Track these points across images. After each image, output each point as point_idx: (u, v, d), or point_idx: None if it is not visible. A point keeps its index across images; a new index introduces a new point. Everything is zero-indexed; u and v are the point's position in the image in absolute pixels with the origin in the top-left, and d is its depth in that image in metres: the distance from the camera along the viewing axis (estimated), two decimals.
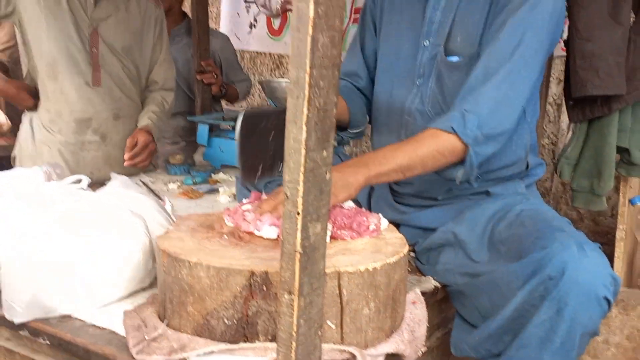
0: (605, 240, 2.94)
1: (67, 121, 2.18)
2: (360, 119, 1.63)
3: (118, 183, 1.36)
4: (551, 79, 2.65)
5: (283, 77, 4.17)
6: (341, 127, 1.61)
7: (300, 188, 0.86)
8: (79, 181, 1.32)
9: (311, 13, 0.80)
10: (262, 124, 1.16)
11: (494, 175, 1.45)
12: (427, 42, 1.46)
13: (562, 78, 2.93)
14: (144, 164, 2.24)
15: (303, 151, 0.85)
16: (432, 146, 1.25)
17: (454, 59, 1.40)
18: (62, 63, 2.12)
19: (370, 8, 1.63)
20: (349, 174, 1.20)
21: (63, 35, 2.11)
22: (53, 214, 1.18)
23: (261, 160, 1.18)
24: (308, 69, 0.82)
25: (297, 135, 0.85)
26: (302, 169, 0.85)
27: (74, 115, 2.19)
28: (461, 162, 1.28)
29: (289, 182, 0.87)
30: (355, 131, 1.65)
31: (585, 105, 1.90)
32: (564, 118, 3.04)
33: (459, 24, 1.40)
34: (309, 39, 0.81)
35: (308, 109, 0.84)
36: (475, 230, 1.35)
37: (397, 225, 1.55)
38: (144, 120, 2.28)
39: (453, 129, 1.24)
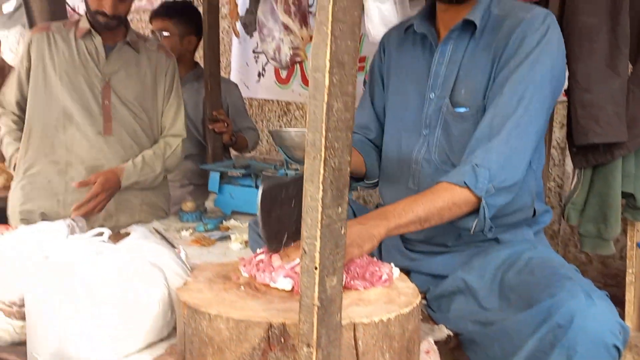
0: (615, 283, 2.94)
1: (79, 170, 2.25)
2: (375, 170, 1.71)
3: (138, 235, 1.40)
4: (554, 123, 2.71)
5: (290, 124, 4.27)
6: (357, 178, 1.68)
7: (318, 243, 0.90)
8: (100, 234, 1.36)
9: (326, 82, 0.86)
10: (282, 194, 1.20)
11: (501, 221, 1.49)
12: (433, 95, 1.53)
13: (565, 123, 3.00)
14: (83, 213, 2.14)
15: (320, 208, 0.90)
16: (448, 199, 1.31)
17: (461, 109, 1.47)
18: (74, 114, 2.21)
19: (378, 64, 1.72)
20: (372, 226, 1.26)
21: (76, 88, 2.20)
22: (76, 267, 1.22)
23: (285, 228, 1.23)
24: (324, 132, 0.88)
25: (314, 194, 0.90)
26: (319, 225, 0.90)
27: (86, 164, 2.25)
28: (476, 211, 1.34)
29: (307, 237, 0.91)
30: (371, 182, 1.73)
31: (588, 152, 1.95)
32: (569, 161, 3.09)
33: (463, 78, 1.47)
34: (324, 105, 0.87)
35: (324, 169, 0.89)
36: (485, 278, 1.38)
37: (407, 271, 1.58)
38: (128, 163, 2.27)
39: (465, 183, 1.30)
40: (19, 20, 4.61)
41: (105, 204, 2.23)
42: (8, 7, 4.66)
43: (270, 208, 1.18)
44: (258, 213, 1.17)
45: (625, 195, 1.99)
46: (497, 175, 1.32)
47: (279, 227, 1.21)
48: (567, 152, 3.04)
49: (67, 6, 2.84)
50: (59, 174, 2.25)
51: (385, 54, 1.70)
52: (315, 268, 0.90)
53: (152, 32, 2.89)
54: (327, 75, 0.86)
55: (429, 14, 1.57)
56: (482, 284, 1.37)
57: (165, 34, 2.83)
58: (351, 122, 0.94)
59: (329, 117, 0.88)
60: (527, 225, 1.53)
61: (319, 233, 0.90)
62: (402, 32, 1.64)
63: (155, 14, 2.90)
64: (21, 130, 2.29)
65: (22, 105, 2.27)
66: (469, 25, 1.47)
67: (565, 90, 2.04)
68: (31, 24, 2.61)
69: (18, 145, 2.26)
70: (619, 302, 2.70)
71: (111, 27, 2.21)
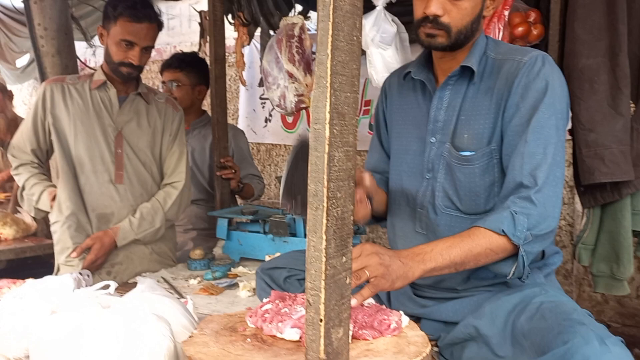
0: (633, 323, 2.87)
1: (90, 217, 2.28)
2: None
3: (144, 286, 1.40)
4: None
5: None
6: (378, 218, 1.69)
7: (322, 294, 0.90)
8: (107, 287, 1.36)
9: (327, 133, 0.87)
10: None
11: None
12: (434, 139, 1.54)
13: (572, 161, 3.00)
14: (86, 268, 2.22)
15: (323, 259, 0.90)
16: (485, 245, 1.32)
17: (467, 153, 1.47)
18: (86, 162, 2.26)
19: (381, 108, 1.75)
20: (409, 267, 1.27)
21: (90, 136, 2.26)
22: (82, 321, 1.22)
23: (303, 190, 1.22)
24: (325, 183, 0.88)
25: (317, 244, 0.90)
26: (323, 275, 0.90)
27: (97, 211, 2.29)
28: (511, 256, 1.35)
29: (311, 289, 0.90)
30: None
31: (596, 191, 1.95)
32: (578, 200, 3.07)
33: (465, 122, 1.49)
34: (325, 156, 0.88)
35: (327, 219, 0.89)
36: (496, 324, 1.35)
37: (418, 318, 1.56)
38: (124, 221, 2.31)
39: (504, 231, 1.31)
40: (31, 74, 4.77)
41: (101, 264, 2.28)
42: (21, 62, 4.81)
43: (298, 164, 1.18)
44: (287, 164, 1.17)
45: (636, 233, 1.96)
46: (535, 223, 1.33)
47: (299, 185, 1.21)
48: (576, 191, 3.03)
49: (77, 60, 2.92)
50: (70, 218, 2.27)
51: (387, 98, 1.73)
52: (321, 320, 0.89)
53: (163, 82, 2.98)
54: (327, 126, 0.87)
55: (426, 61, 1.60)
56: (494, 331, 1.34)
57: (177, 84, 2.95)
58: (352, 172, 0.95)
59: (331, 167, 0.89)
60: (537, 268, 1.51)
61: (323, 284, 0.89)
62: (401, 78, 1.67)
63: (168, 66, 3.00)
64: (44, 173, 2.35)
65: (37, 154, 2.32)
66: (466, 71, 1.50)
67: (569, 130, 2.05)
68: (43, 77, 2.68)
69: (45, 185, 2.29)
70: (637, 343, 2.63)
71: (133, 77, 2.29)
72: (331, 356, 0.90)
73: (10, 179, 3.06)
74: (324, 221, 0.89)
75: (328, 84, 0.87)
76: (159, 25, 2.29)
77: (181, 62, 2.99)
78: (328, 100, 0.87)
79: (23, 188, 2.32)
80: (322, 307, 0.89)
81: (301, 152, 1.21)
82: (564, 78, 1.45)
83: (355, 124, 0.94)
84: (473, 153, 1.46)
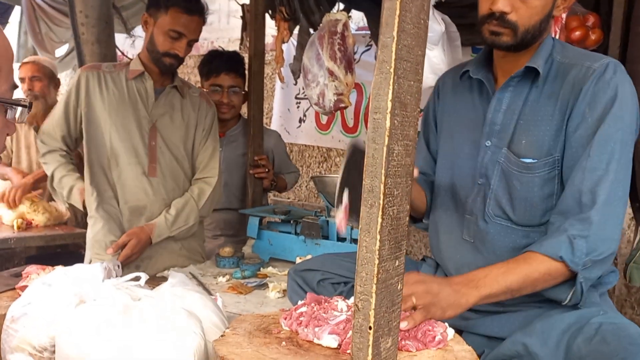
0: None
1: (122, 209, 2.25)
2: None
3: (175, 281, 1.34)
4: None
5: (330, 170, 4.24)
6: (415, 219, 1.62)
7: (373, 300, 0.82)
8: (137, 278, 1.31)
9: (388, 124, 0.80)
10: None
11: None
12: (489, 143, 1.45)
13: None
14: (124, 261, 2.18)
15: (376, 261, 0.82)
16: (544, 271, 1.25)
17: (528, 160, 1.38)
18: (122, 154, 2.21)
19: (432, 108, 1.67)
20: (462, 294, 1.21)
21: (125, 127, 2.22)
22: (111, 313, 1.16)
23: (357, 196, 1.17)
24: (383, 178, 0.81)
25: (370, 245, 0.83)
26: (374, 279, 0.82)
27: (129, 204, 2.25)
28: (568, 280, 1.28)
29: (361, 293, 0.83)
30: (428, 222, 1.66)
31: None
32: (625, 217, 2.93)
33: (524, 127, 1.40)
34: (385, 149, 0.80)
35: (382, 218, 0.82)
36: (548, 344, 1.26)
37: (460, 332, 1.47)
38: (159, 217, 2.27)
39: (562, 257, 1.24)
40: (69, 64, 4.81)
41: (135, 259, 2.24)
42: (60, 52, 4.86)
43: (351, 170, 1.13)
44: (341, 170, 1.11)
45: None
46: (594, 248, 1.25)
47: (352, 191, 1.15)
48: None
49: (117, 50, 2.90)
50: (104, 211, 2.25)
51: (439, 98, 1.64)
52: (370, 328, 0.82)
53: (218, 86, 2.75)
54: (388, 116, 0.80)
55: (486, 60, 1.51)
56: (545, 351, 1.25)
57: (236, 89, 2.78)
58: (411, 168, 0.87)
59: (389, 161, 0.81)
60: (593, 287, 1.40)
61: (374, 288, 0.82)
62: (457, 77, 1.58)
63: (222, 69, 2.75)
64: (72, 163, 2.31)
65: (67, 141, 2.28)
66: (530, 73, 1.40)
67: None
68: (81, 65, 2.66)
69: (74, 179, 2.26)
70: None
71: (174, 68, 2.25)
72: None
73: (43, 178, 3.04)
74: (379, 220, 0.82)
75: (392, 70, 0.79)
76: (205, 20, 2.25)
77: (239, 66, 2.80)
78: (391, 87, 0.80)
79: (52, 178, 2.29)
80: (372, 313, 0.82)
81: (353, 160, 1.15)
82: (635, 89, 1.34)
83: (417, 117, 0.86)
84: (535, 161, 1.37)
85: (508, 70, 1.44)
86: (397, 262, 0.86)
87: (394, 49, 0.79)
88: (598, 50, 1.98)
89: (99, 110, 2.22)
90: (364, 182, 0.82)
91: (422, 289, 1.19)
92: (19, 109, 1.07)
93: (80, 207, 2.25)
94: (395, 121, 0.81)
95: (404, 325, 1.12)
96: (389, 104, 0.80)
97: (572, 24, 1.98)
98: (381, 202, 0.81)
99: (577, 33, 1.97)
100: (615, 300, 2.96)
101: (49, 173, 2.28)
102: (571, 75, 1.35)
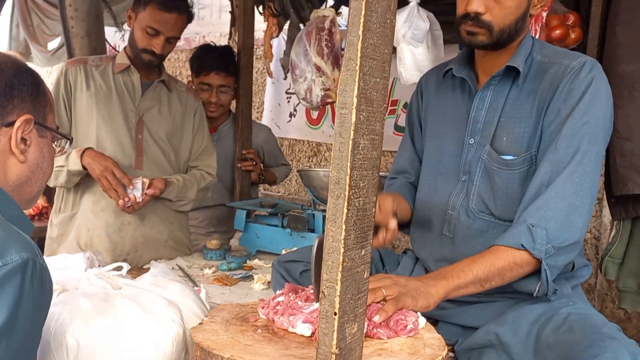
0: None
1: (110, 202, 2.26)
2: None
3: (157, 271, 1.38)
4: None
5: (320, 164, 4.27)
6: (402, 225, 1.63)
7: (338, 287, 0.86)
8: (120, 268, 1.34)
9: (353, 119, 0.83)
10: None
11: None
12: (472, 140, 1.49)
13: (601, 173, 2.90)
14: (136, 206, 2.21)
15: (342, 249, 0.86)
16: (509, 259, 1.28)
17: (508, 157, 1.42)
18: (109, 147, 2.23)
19: (415, 107, 1.70)
20: (430, 285, 1.24)
21: (112, 120, 2.24)
22: (93, 301, 1.20)
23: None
24: (349, 171, 0.84)
25: (336, 234, 0.86)
26: (340, 267, 0.86)
27: None
28: (538, 271, 1.30)
29: (327, 280, 0.87)
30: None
31: (628, 203, 1.87)
32: (606, 212, 2.98)
33: (504, 125, 1.43)
34: (350, 143, 0.84)
35: (347, 209, 0.85)
36: (519, 333, 1.30)
37: (435, 321, 1.51)
38: (173, 177, 2.32)
39: (523, 245, 1.26)
40: (62, 57, 4.82)
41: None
42: (52, 45, 4.87)
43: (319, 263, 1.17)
44: (312, 265, 1.15)
45: None
46: (555, 235, 1.27)
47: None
48: (605, 203, 2.94)
49: (107, 44, 2.92)
50: (94, 204, 2.26)
51: (423, 97, 1.68)
52: (335, 313, 0.85)
53: (206, 84, 2.72)
54: (354, 112, 0.83)
55: (468, 59, 1.55)
56: (515, 340, 1.29)
57: (225, 88, 2.75)
58: (377, 161, 0.91)
59: (355, 154, 0.85)
60: (565, 279, 1.45)
61: (339, 276, 0.85)
62: (440, 76, 1.61)
63: (212, 67, 2.71)
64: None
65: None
66: (511, 72, 1.44)
67: None
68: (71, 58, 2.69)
69: (67, 153, 2.19)
70: None
71: (153, 65, 2.27)
72: (344, 351, 0.86)
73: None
74: (345, 211, 0.85)
75: (357, 67, 0.83)
76: (189, 17, 2.27)
77: (230, 65, 2.77)
78: (356, 84, 0.83)
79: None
80: (337, 299, 0.85)
81: (319, 253, 1.20)
82: (609, 88, 1.38)
83: (383, 112, 0.90)
84: (514, 157, 1.41)
85: (489, 68, 1.48)
86: (363, 251, 0.90)
87: (359, 47, 0.82)
88: (577, 49, 2.02)
89: (86, 104, 2.23)
90: (330, 175, 0.86)
91: (389, 282, 1.22)
92: (64, 141, 1.16)
93: (80, 167, 2.15)
94: (361, 116, 0.85)
95: (377, 318, 1.15)
96: (355, 100, 0.83)
97: (552, 23, 2.02)
98: (347, 193, 0.85)
99: (558, 32, 2.00)
100: (597, 294, 3.02)
101: None
102: (550, 73, 1.39)
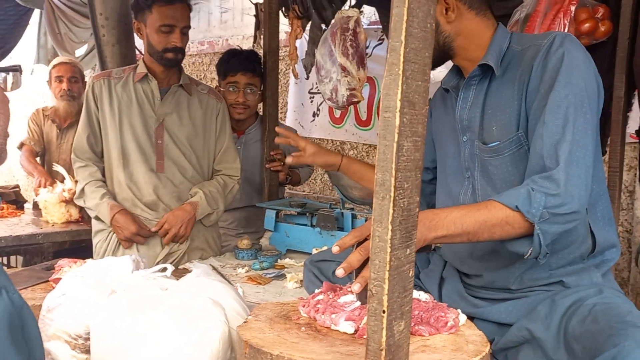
0: None
1: (137, 205, 2.36)
2: None
3: (199, 272, 1.42)
4: (622, 166, 2.60)
5: None
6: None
7: (386, 286, 0.88)
8: (164, 270, 1.39)
9: (397, 122, 0.86)
10: None
11: (563, 259, 1.42)
12: (465, 138, 1.54)
13: (633, 165, 2.87)
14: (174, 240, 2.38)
15: (388, 249, 0.88)
16: (501, 217, 1.26)
17: (493, 144, 1.45)
18: (131, 153, 2.33)
19: (429, 126, 1.77)
20: (420, 232, 1.22)
21: (133, 128, 2.34)
22: (142, 302, 1.24)
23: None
24: (394, 172, 0.87)
25: (382, 235, 0.89)
26: (387, 266, 0.88)
27: (144, 200, 2.37)
28: (530, 235, 1.28)
29: (375, 279, 0.89)
30: None
31: None
32: (638, 205, 2.95)
33: (491, 115, 1.47)
34: (395, 145, 0.86)
35: (393, 209, 0.88)
36: (550, 328, 1.30)
37: (470, 319, 1.52)
38: (196, 196, 2.41)
39: (518, 207, 1.25)
40: (88, 64, 4.92)
41: (187, 232, 2.39)
42: (79, 52, 4.97)
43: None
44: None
45: None
46: (554, 202, 1.25)
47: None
48: (637, 196, 2.91)
49: (137, 51, 2.99)
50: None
51: (432, 115, 1.74)
52: (383, 312, 0.88)
53: (233, 84, 2.79)
54: (397, 115, 0.86)
55: (457, 69, 1.61)
56: (548, 335, 1.30)
57: (253, 89, 2.81)
58: (420, 163, 0.93)
59: (399, 157, 0.87)
60: (595, 267, 1.44)
61: (387, 275, 0.88)
62: (442, 90, 1.69)
63: (239, 68, 2.78)
64: (102, 179, 2.40)
65: (94, 149, 2.40)
66: (488, 68, 1.47)
67: (636, 132, 1.96)
68: (103, 66, 2.76)
69: (103, 192, 2.34)
70: None
71: (180, 60, 2.34)
72: (392, 348, 0.89)
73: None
74: (390, 211, 0.88)
75: (400, 72, 0.85)
76: (189, 7, 2.35)
77: (256, 66, 2.83)
78: (399, 88, 0.86)
79: (82, 192, 2.37)
80: (385, 298, 0.88)
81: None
82: (587, 55, 1.37)
83: (425, 114, 0.92)
84: (498, 143, 1.44)
85: (468, 70, 1.54)
86: (408, 250, 0.92)
87: (401, 52, 0.85)
88: (607, 42, 2.01)
89: (110, 114, 2.34)
90: (375, 177, 0.89)
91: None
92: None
93: (108, 222, 2.33)
94: (405, 119, 0.87)
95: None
96: (398, 103, 0.86)
97: (581, 16, 2.01)
98: (392, 194, 0.87)
99: (587, 25, 1.99)
100: (630, 287, 2.99)
101: (79, 187, 2.39)
102: (526, 56, 1.42)
